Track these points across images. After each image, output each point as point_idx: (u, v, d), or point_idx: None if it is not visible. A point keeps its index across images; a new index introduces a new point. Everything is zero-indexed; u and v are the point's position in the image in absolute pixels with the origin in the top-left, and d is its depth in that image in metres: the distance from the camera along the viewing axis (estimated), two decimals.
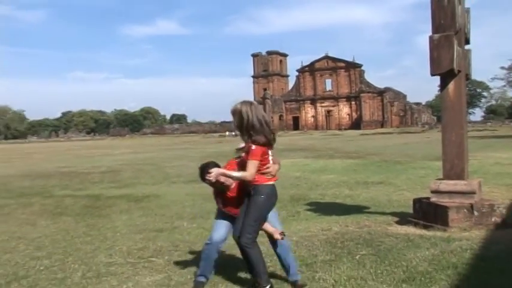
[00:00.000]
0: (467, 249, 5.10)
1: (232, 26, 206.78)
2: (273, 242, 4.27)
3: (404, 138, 40.42)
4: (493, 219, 6.09)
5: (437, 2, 6.19)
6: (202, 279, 4.34)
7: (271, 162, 4.04)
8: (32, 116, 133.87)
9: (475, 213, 6.07)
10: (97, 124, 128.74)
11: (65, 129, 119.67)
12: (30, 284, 4.63)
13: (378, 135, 52.12)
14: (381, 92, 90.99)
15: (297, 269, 4.32)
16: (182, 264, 5.05)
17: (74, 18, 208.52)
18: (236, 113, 3.97)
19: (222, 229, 4.31)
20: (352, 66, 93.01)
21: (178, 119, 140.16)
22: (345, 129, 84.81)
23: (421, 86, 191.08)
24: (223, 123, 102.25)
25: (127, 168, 18.63)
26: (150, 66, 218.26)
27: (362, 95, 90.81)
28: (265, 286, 4.00)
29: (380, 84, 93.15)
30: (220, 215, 4.34)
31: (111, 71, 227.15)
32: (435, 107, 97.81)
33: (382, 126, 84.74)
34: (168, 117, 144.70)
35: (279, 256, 4.31)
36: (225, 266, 4.78)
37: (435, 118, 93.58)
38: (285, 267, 4.29)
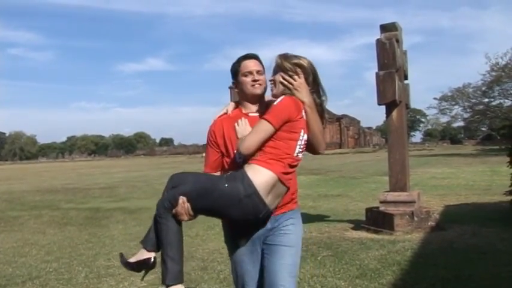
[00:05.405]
0: (409, 249, 5.24)
1: (211, 63, 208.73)
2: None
3: (359, 157, 40.78)
4: (429, 224, 6.26)
5: (381, 45, 6.43)
6: None
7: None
8: (42, 139, 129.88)
9: (415, 218, 6.22)
10: (97, 147, 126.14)
11: (70, 151, 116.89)
12: (42, 283, 4.58)
13: (336, 154, 52.41)
14: (338, 118, 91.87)
15: None
16: None
17: (76, 57, 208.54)
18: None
19: (251, 276, 2.38)
20: None
21: (167, 142, 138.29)
22: None
23: (372, 113, 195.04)
24: (205, 145, 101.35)
25: (122, 185, 18.34)
26: (141, 97, 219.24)
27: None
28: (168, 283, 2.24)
29: (338, 112, 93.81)
30: (242, 260, 2.39)
31: (108, 101, 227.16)
32: (383, 131, 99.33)
33: (340, 147, 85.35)
34: (157, 140, 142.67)
35: None
36: None
37: (384, 140, 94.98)
38: None
